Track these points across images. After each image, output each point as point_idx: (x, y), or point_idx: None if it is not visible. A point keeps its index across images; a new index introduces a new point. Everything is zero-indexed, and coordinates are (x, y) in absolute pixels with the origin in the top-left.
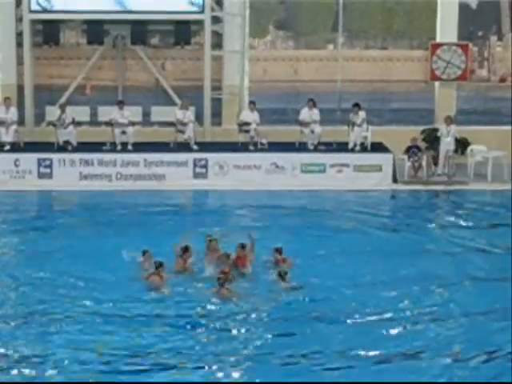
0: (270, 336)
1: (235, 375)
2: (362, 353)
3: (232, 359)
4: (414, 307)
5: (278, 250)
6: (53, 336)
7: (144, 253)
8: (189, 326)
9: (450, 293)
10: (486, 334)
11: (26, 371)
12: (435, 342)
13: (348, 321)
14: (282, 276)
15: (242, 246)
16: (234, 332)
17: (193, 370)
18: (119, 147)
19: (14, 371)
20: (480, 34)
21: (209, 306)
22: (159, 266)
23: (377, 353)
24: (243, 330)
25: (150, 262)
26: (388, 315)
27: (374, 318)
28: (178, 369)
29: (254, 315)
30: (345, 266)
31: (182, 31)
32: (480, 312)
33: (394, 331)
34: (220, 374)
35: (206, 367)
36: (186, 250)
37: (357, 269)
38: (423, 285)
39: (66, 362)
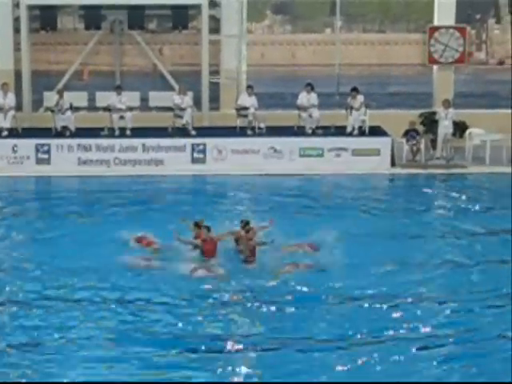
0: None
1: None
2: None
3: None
4: (413, 290)
5: None
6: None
7: None
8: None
9: (447, 276)
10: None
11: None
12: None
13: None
14: None
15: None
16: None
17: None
18: (117, 132)
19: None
20: (478, 16)
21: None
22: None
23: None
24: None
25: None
26: (384, 298)
27: (365, 301)
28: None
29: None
30: (343, 249)
31: (179, 16)
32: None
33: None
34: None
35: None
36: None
37: (355, 252)
38: (421, 268)
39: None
